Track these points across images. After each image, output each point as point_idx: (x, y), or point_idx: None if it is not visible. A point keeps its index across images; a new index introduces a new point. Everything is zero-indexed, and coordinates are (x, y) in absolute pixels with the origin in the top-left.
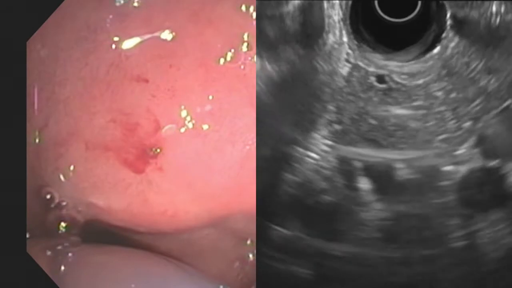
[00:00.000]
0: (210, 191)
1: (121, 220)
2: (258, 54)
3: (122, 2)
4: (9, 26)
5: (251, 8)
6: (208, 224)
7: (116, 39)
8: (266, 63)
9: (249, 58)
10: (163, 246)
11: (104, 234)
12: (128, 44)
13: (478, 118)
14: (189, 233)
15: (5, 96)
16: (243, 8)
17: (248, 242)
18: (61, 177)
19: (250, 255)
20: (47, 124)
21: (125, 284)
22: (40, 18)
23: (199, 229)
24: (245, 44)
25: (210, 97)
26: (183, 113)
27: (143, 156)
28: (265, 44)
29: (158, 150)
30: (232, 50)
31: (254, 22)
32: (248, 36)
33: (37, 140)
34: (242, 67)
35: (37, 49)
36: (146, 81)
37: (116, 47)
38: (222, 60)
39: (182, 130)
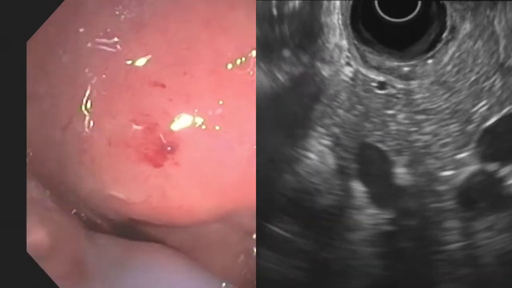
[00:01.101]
0: (221, 187)
1: (139, 213)
2: (258, 55)
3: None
4: (9, 26)
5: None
6: (218, 219)
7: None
8: (266, 64)
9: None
10: (174, 240)
11: (121, 227)
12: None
13: (480, 121)
14: (199, 227)
15: (5, 96)
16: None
17: (254, 236)
18: (84, 170)
19: (255, 250)
20: (71, 122)
21: (134, 276)
22: (40, 18)
23: (209, 223)
24: (254, 51)
25: (221, 102)
26: (197, 116)
27: (161, 152)
28: (265, 45)
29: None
30: (243, 58)
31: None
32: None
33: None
34: (250, 73)
35: (59, 54)
36: (163, 86)
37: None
38: (232, 67)
39: (196, 130)
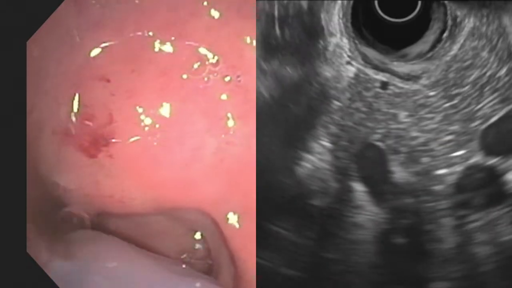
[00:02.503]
0: (155, 182)
1: (75, 200)
2: (258, 56)
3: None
4: (9, 26)
5: (230, 28)
6: (156, 212)
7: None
8: (266, 65)
9: (214, 74)
10: (123, 227)
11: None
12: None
13: (483, 119)
14: (140, 217)
15: (5, 96)
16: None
17: (197, 234)
18: (38, 155)
19: (198, 246)
20: (32, 111)
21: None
22: (40, 18)
23: (148, 215)
24: (215, 58)
25: (165, 103)
26: (137, 112)
27: (96, 144)
28: (265, 46)
29: (110, 140)
30: (198, 63)
31: (254, 26)
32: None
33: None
34: (206, 79)
35: (31, 49)
36: (108, 80)
37: (87, 51)
38: (185, 72)
39: (134, 126)
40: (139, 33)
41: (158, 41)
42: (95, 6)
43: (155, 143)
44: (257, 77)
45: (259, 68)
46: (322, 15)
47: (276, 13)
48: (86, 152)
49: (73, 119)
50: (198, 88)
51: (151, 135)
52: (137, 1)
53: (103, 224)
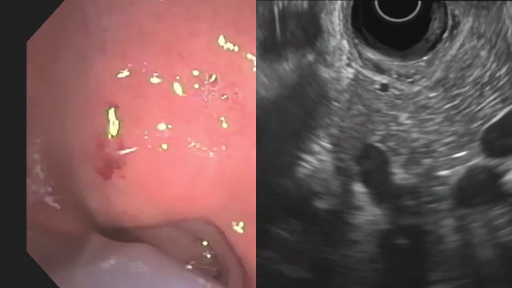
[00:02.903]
0: (164, 198)
1: (99, 218)
2: (258, 57)
3: None
4: (9, 26)
5: (228, 45)
6: (165, 224)
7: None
8: (265, 66)
9: (212, 93)
10: (135, 239)
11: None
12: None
13: (484, 119)
14: (150, 229)
15: (5, 96)
16: (223, 44)
17: (204, 242)
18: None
19: (207, 255)
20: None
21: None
22: (40, 18)
23: (158, 227)
24: (213, 77)
25: (170, 126)
26: (145, 137)
27: (109, 166)
28: (264, 47)
29: (122, 163)
30: (197, 85)
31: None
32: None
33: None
34: (205, 99)
35: (53, 71)
36: (117, 107)
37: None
38: (185, 93)
39: (142, 149)
40: (142, 57)
41: (159, 64)
42: (99, 30)
43: (162, 164)
44: (257, 77)
45: (259, 68)
46: (322, 15)
47: (276, 13)
48: (102, 174)
49: (91, 144)
50: (199, 108)
51: (158, 156)
52: (138, 24)
53: (118, 238)
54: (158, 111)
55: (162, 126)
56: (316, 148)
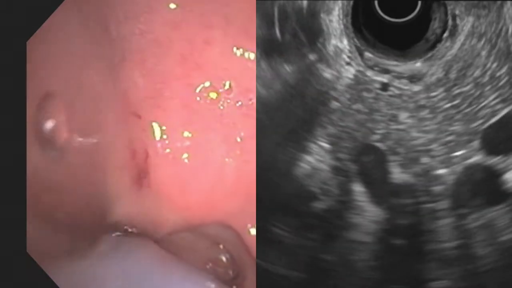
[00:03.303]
0: (185, 205)
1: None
2: (258, 57)
3: None
4: (9, 26)
5: (241, 51)
6: (185, 229)
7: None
8: (266, 66)
9: (228, 100)
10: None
11: None
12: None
13: (484, 118)
14: (170, 235)
15: (5, 96)
16: (236, 51)
17: (221, 246)
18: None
19: (223, 258)
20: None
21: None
22: (40, 18)
23: (177, 232)
24: (227, 84)
25: (190, 135)
26: (167, 149)
27: (139, 175)
28: (264, 47)
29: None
30: (214, 93)
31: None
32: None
33: None
34: (221, 107)
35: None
36: (140, 117)
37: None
38: (203, 102)
39: (164, 159)
40: (159, 67)
41: (177, 73)
42: (118, 39)
43: (183, 172)
44: (257, 78)
45: (259, 68)
46: (322, 15)
47: (276, 13)
48: (134, 184)
49: (125, 153)
50: (215, 116)
51: (180, 164)
52: (154, 34)
53: None
54: (178, 120)
55: (182, 135)
56: (314, 147)
